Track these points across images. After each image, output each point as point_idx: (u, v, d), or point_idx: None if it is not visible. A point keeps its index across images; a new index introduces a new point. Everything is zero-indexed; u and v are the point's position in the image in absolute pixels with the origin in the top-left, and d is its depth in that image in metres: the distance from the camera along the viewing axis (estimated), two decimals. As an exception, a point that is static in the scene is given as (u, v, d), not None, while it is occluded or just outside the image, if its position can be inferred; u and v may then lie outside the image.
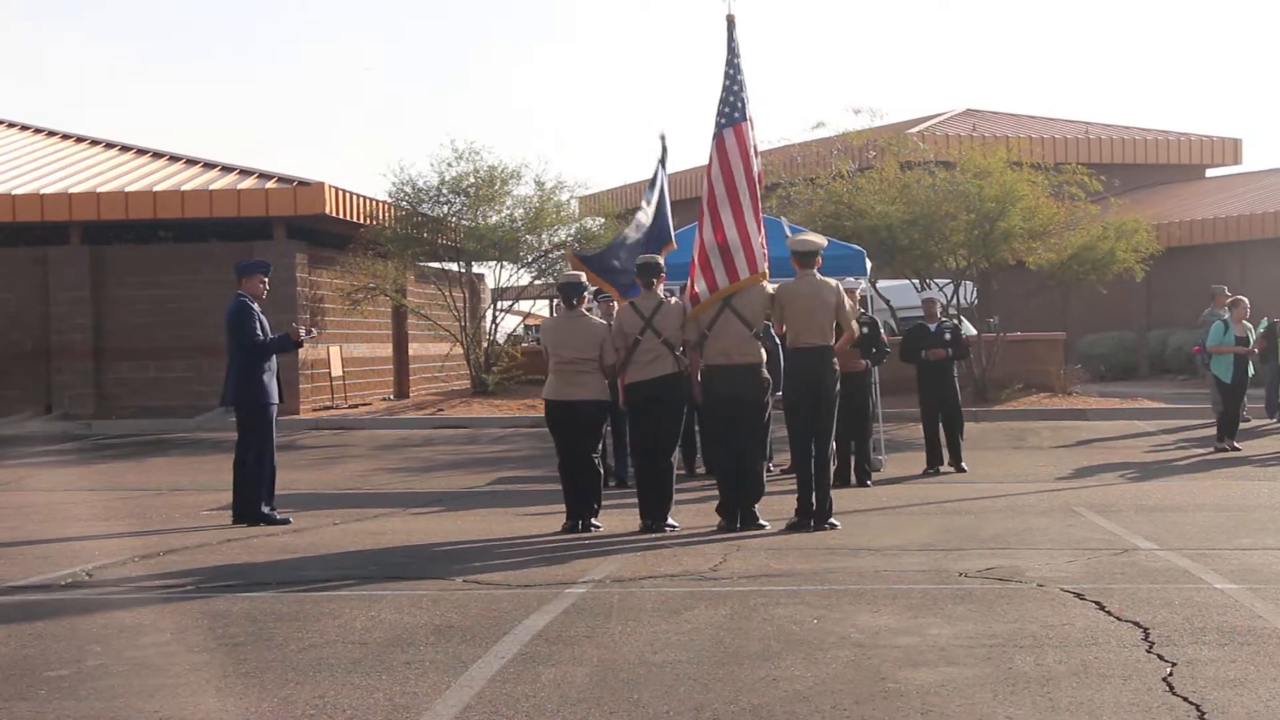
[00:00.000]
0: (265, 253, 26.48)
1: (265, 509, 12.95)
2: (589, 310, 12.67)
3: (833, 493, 12.37)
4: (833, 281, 12.21)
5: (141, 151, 30.17)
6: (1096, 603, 8.26)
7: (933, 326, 17.58)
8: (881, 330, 16.87)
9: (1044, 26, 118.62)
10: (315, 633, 7.84)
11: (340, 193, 26.95)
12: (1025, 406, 25.76)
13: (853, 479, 15.77)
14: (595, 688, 6.53)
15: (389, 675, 6.83)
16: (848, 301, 12.33)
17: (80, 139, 31.99)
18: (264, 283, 13.28)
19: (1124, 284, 29.19)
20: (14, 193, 26.89)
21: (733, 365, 11.95)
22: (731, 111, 12.07)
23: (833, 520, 12.00)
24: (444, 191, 27.52)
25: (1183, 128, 49.07)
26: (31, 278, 27.12)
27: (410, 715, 6.13)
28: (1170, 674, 6.59)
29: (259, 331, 12.93)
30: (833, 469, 13.51)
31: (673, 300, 12.25)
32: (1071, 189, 26.14)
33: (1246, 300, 20.01)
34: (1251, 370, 19.52)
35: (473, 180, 27.41)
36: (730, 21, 12.31)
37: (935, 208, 24.89)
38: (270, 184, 26.93)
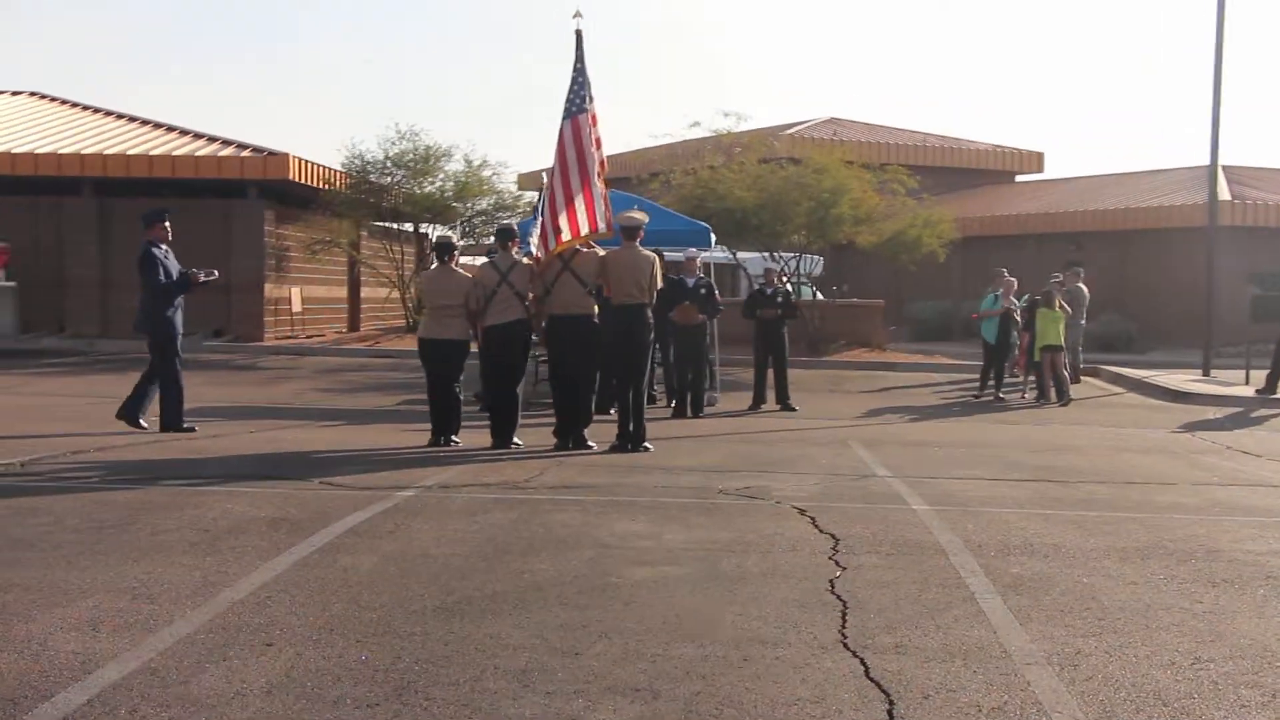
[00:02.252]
0: (240, 209, 26.28)
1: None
2: (459, 266, 12.57)
3: (671, 421, 12.32)
4: (649, 252, 12.15)
5: (145, 122, 29.56)
6: (812, 518, 8.26)
7: (769, 291, 17.57)
8: (716, 292, 16.84)
9: (908, 49, 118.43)
10: (173, 520, 7.72)
11: (302, 162, 26.59)
12: (848, 359, 25.89)
13: (689, 412, 15.75)
14: (376, 573, 6.48)
15: (214, 557, 6.74)
16: (659, 270, 12.26)
17: (96, 109, 31.26)
18: (166, 228, 12.82)
19: (947, 261, 29.18)
20: (35, 152, 26.37)
21: (570, 315, 11.88)
22: (571, 107, 11.94)
23: (647, 444, 11.98)
24: (388, 165, 27.24)
25: (1001, 141, 49.20)
26: (51, 222, 26.65)
27: (214, 589, 6.05)
28: (837, 576, 6.61)
29: (161, 274, 12.54)
30: (670, 405, 13.43)
31: (524, 260, 12.15)
32: (893, 185, 26.23)
33: (1014, 280, 20.22)
34: (1015, 336, 19.70)
35: (412, 157, 27.15)
36: (579, 35, 12.15)
37: (782, 195, 24.88)
38: (246, 153, 26.53)
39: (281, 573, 6.42)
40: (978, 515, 8.53)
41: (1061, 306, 19.29)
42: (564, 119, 11.91)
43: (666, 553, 7.12)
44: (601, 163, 12.16)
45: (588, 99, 11.96)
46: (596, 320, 11.99)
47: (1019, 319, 19.65)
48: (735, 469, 10.78)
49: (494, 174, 28.36)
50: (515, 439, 11.93)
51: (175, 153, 26.47)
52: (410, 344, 26.01)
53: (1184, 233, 33.71)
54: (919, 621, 5.78)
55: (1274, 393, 19.45)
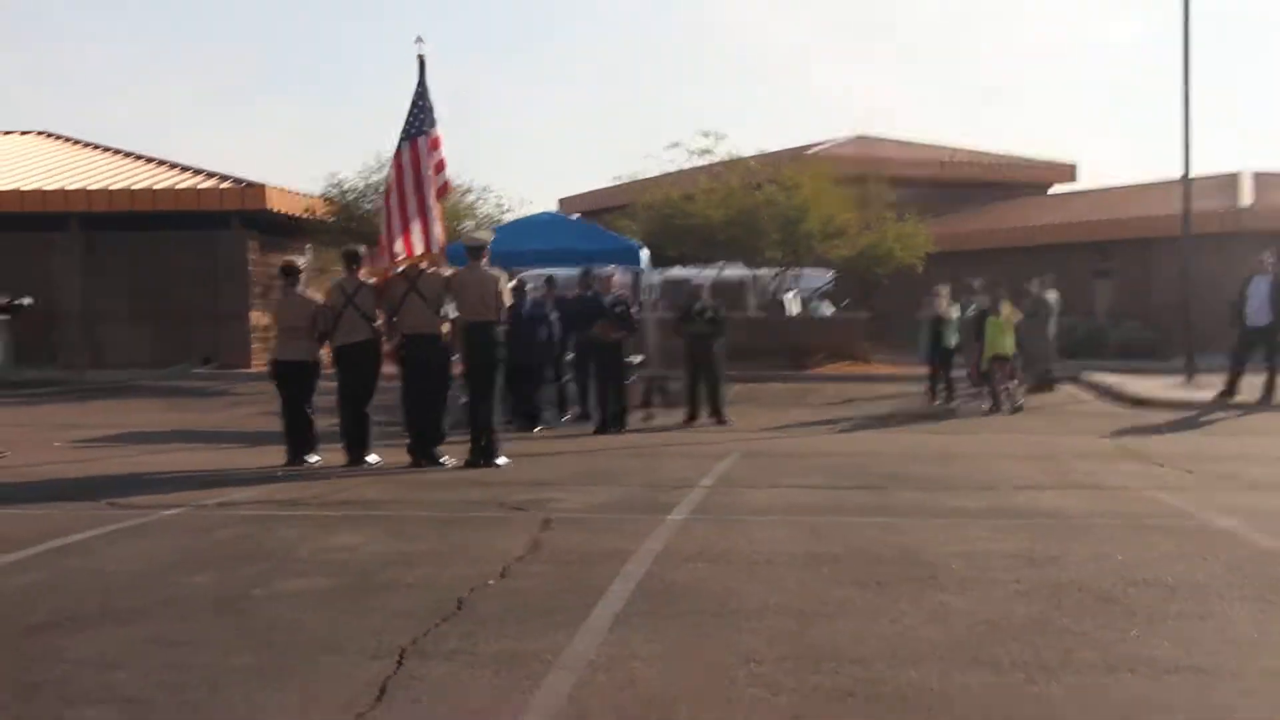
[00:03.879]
0: (223, 239, 26.66)
1: None
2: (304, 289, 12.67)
3: (589, 437, 13.69)
4: (495, 271, 12.15)
5: (137, 157, 30.15)
6: (549, 530, 8.08)
7: (698, 307, 17.50)
8: (632, 311, 16.82)
9: (954, 66, 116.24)
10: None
11: (279, 192, 27.01)
12: (829, 372, 25.53)
13: (610, 427, 15.70)
14: (21, 592, 6.51)
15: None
16: (506, 287, 12.21)
17: (92, 145, 31.84)
18: None
19: (972, 276, 28.38)
20: (20, 189, 27.07)
21: (417, 335, 11.93)
22: (410, 129, 12.03)
23: (499, 460, 11.91)
24: (369, 194, 27.47)
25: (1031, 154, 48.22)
26: (40, 257, 27.10)
27: None
28: (487, 584, 6.49)
29: None
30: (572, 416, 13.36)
31: (371, 281, 12.23)
32: (873, 200, 26.06)
33: (945, 286, 19.90)
34: (954, 342, 19.36)
35: (393, 184, 27.36)
36: (421, 60, 12.23)
37: (752, 212, 24.77)
38: (226, 184, 27.03)
39: (-77, 590, 6.48)
40: (723, 523, 8.35)
41: (1009, 315, 18.91)
42: (402, 140, 12.00)
43: (342, 565, 7.06)
44: (445, 185, 12.25)
45: (428, 122, 12.03)
46: (443, 340, 12.00)
47: (948, 322, 19.30)
48: (557, 483, 10.64)
49: (478, 198, 28.48)
50: (370, 457, 11.97)
51: (156, 186, 27.01)
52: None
53: (1210, 239, 32.84)
54: (509, 629, 5.67)
55: (1233, 397, 18.94)
